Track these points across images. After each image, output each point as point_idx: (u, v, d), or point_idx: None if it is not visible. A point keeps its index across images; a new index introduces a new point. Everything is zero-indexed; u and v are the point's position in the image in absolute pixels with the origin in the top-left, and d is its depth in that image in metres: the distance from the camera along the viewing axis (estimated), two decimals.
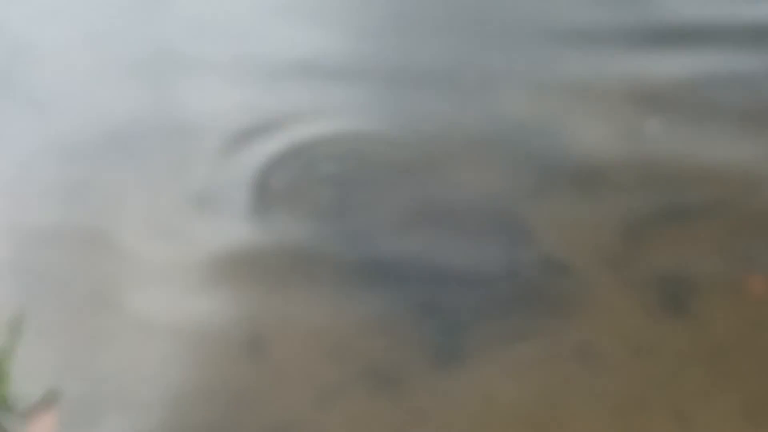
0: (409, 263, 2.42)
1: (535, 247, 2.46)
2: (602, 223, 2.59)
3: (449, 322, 2.36)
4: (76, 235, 2.57)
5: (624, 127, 2.83)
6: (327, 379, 2.27)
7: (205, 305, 2.41)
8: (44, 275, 2.45)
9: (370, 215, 2.49)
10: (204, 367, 2.30)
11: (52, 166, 2.72)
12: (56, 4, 3.13)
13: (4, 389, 2.15)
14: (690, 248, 2.53)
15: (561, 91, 2.92)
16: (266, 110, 2.86)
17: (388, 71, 2.97)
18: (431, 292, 2.39)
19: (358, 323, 2.37)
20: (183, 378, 2.27)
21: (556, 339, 2.34)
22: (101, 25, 3.06)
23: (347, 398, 2.24)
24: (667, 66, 2.99)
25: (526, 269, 2.44)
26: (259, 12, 3.11)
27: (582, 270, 2.48)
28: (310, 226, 2.56)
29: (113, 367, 2.28)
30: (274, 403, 2.23)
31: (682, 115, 2.87)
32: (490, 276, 2.41)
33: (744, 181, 2.69)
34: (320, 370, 2.28)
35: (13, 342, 2.11)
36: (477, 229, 2.45)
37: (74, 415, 2.17)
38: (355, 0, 3.19)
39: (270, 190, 2.66)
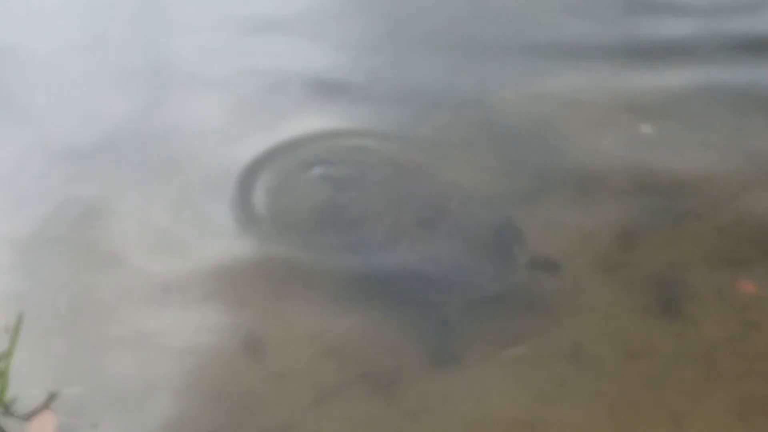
0: (405, 266, 2.41)
1: (530, 250, 2.47)
2: (596, 227, 2.60)
3: (444, 325, 2.37)
4: (73, 240, 2.57)
5: (617, 134, 2.85)
6: (325, 382, 2.27)
7: (204, 310, 2.41)
8: (42, 280, 2.46)
9: (366, 220, 2.49)
10: (204, 370, 2.30)
11: (49, 172, 2.72)
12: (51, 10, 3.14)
13: (3, 392, 2.15)
14: (682, 252, 2.54)
15: (555, 100, 2.94)
16: (262, 120, 2.88)
17: (387, 82, 2.98)
18: (427, 296, 2.40)
19: (355, 326, 2.38)
20: (183, 381, 2.27)
21: (551, 341, 2.35)
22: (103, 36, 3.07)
23: (345, 400, 2.24)
24: (656, 78, 3.02)
25: (520, 272, 2.44)
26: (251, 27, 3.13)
27: (576, 273, 2.48)
28: (307, 231, 2.57)
29: (113, 371, 2.28)
30: (273, 405, 2.24)
31: (673, 124, 2.89)
32: (485, 279, 2.41)
33: (734, 187, 2.71)
34: (318, 373, 2.29)
35: (13, 345, 2.10)
36: (473, 232, 2.45)
37: (74, 419, 2.17)
38: (352, 15, 3.21)
39: (266, 198, 2.66)
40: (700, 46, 3.04)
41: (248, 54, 3.07)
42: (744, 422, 2.20)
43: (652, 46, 3.06)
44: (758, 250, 2.55)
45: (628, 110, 2.91)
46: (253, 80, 2.99)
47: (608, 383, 2.27)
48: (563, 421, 2.21)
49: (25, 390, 2.18)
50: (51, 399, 2.18)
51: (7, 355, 2.11)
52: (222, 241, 2.54)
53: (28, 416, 2.16)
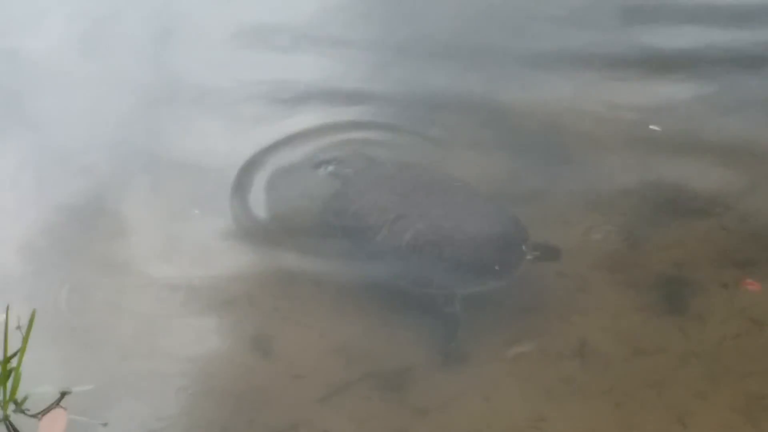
0: (411, 266, 2.42)
1: (535, 248, 2.47)
2: (602, 225, 2.60)
3: (451, 323, 2.37)
4: (81, 242, 2.59)
5: (623, 134, 2.85)
6: (333, 380, 2.28)
7: (212, 310, 2.42)
8: (52, 281, 2.47)
9: (372, 216, 2.49)
10: (213, 369, 2.31)
11: (53, 175, 2.75)
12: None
13: (15, 390, 2.16)
14: (688, 251, 2.54)
15: (559, 104, 2.95)
16: (266, 119, 2.90)
17: (391, 86, 2.99)
18: (432, 295, 2.40)
19: (362, 325, 2.39)
20: (192, 380, 2.29)
21: (557, 339, 2.35)
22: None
23: (352, 399, 2.25)
24: (660, 83, 3.03)
25: (526, 271, 2.44)
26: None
27: (582, 271, 2.49)
28: (313, 230, 2.58)
29: (123, 370, 2.30)
30: (281, 403, 2.25)
31: (678, 125, 2.90)
32: (490, 278, 2.41)
33: (741, 185, 2.72)
34: (326, 372, 2.30)
35: (25, 344, 2.11)
36: (477, 231, 2.45)
37: (85, 417, 2.18)
38: (363, 22, 3.22)
39: (273, 198, 2.67)
40: (701, 56, 3.04)
41: (256, 62, 3.09)
42: (750, 420, 2.20)
43: (650, 55, 3.07)
44: (764, 249, 2.55)
45: (633, 111, 2.92)
46: (261, 84, 3.01)
47: (614, 381, 2.27)
48: (569, 419, 2.21)
49: (36, 388, 2.19)
50: (62, 397, 2.20)
51: (19, 353, 2.12)
52: (229, 243, 2.56)
53: (40, 414, 2.18)
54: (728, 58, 3.06)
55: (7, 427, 2.16)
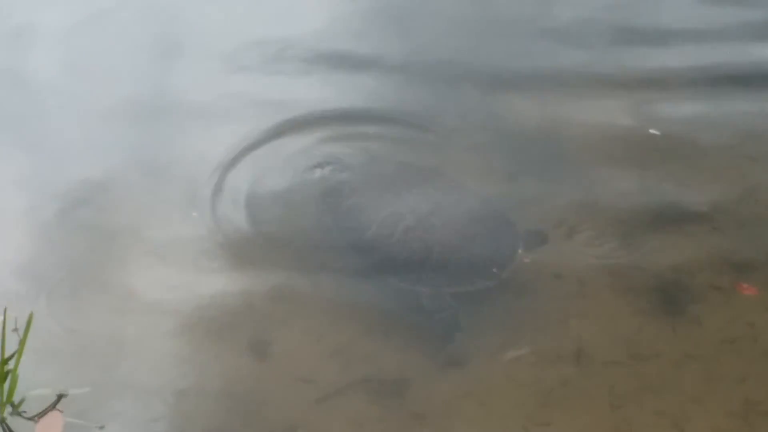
0: (409, 268, 2.42)
1: (534, 251, 2.48)
2: (600, 228, 2.61)
3: (448, 327, 2.37)
4: (80, 244, 2.59)
5: (621, 139, 2.86)
6: (330, 383, 2.28)
7: (209, 312, 2.42)
8: (51, 284, 2.47)
9: (371, 217, 2.49)
10: (210, 371, 2.31)
11: (56, 182, 2.75)
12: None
13: (12, 393, 2.16)
14: (685, 255, 2.55)
15: (560, 101, 2.96)
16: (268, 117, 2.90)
17: (392, 97, 3.00)
18: (431, 298, 2.40)
19: (359, 328, 2.39)
20: (190, 382, 2.29)
21: (554, 343, 2.35)
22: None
23: (349, 402, 2.25)
24: (657, 88, 3.04)
25: (524, 273, 2.45)
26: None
27: (580, 275, 2.50)
28: (313, 233, 2.59)
29: (120, 373, 2.30)
30: (278, 406, 2.25)
31: (676, 129, 2.90)
32: (488, 280, 2.41)
33: (738, 189, 2.72)
34: (323, 374, 2.30)
35: (22, 346, 2.11)
36: (476, 233, 2.45)
37: (82, 419, 2.18)
38: (368, 35, 3.23)
39: (271, 199, 2.68)
40: (690, 74, 3.07)
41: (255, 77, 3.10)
42: (746, 425, 2.20)
43: (641, 72, 3.10)
44: (760, 253, 2.56)
45: (632, 117, 2.93)
46: (265, 87, 3.02)
47: (611, 385, 2.27)
48: (566, 423, 2.21)
49: (33, 390, 2.19)
50: (59, 399, 2.20)
51: (17, 355, 2.12)
52: (227, 245, 2.56)
53: (37, 416, 2.18)
54: (723, 75, 3.08)
55: (4, 430, 2.16)
